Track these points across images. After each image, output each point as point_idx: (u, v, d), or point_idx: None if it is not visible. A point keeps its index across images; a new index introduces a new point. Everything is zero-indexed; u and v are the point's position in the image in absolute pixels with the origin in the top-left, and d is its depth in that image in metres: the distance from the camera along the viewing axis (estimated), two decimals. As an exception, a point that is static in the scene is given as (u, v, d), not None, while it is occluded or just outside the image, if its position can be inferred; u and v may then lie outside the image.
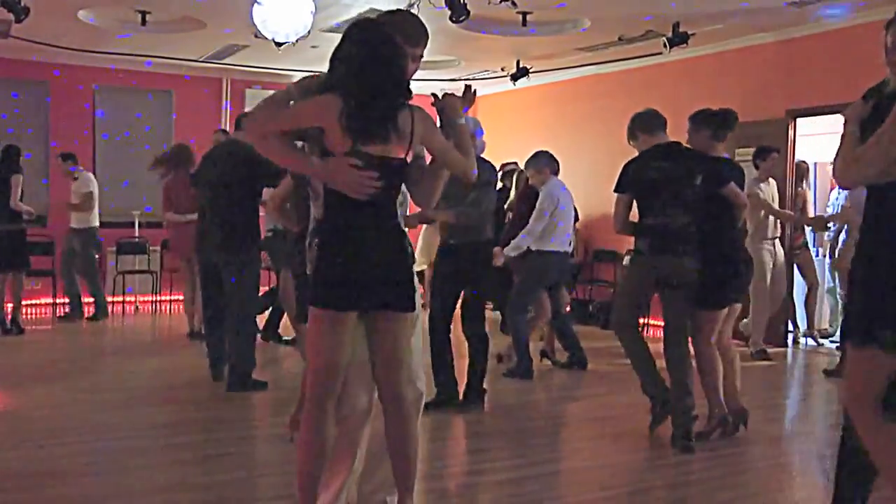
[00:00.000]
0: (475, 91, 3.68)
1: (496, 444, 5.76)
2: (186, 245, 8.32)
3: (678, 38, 9.11)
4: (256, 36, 8.94)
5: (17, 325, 9.21)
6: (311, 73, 3.54)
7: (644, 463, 5.18)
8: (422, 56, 3.40)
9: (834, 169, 3.18)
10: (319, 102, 3.15)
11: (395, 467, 3.36)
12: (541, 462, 5.18)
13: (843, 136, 3.06)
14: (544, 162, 7.63)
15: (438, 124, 3.41)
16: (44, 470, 4.62)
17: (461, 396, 6.14)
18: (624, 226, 5.49)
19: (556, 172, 7.69)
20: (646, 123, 5.55)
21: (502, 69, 11.89)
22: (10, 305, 9.31)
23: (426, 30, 3.40)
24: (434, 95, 3.52)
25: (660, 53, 9.73)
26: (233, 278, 6.59)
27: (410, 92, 3.23)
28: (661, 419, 5.45)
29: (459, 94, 3.62)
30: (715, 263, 5.31)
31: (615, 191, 5.49)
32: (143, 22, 9.43)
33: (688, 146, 5.57)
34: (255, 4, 7.63)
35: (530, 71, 11.34)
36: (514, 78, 11.42)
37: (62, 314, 10.44)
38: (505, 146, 13.26)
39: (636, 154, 5.56)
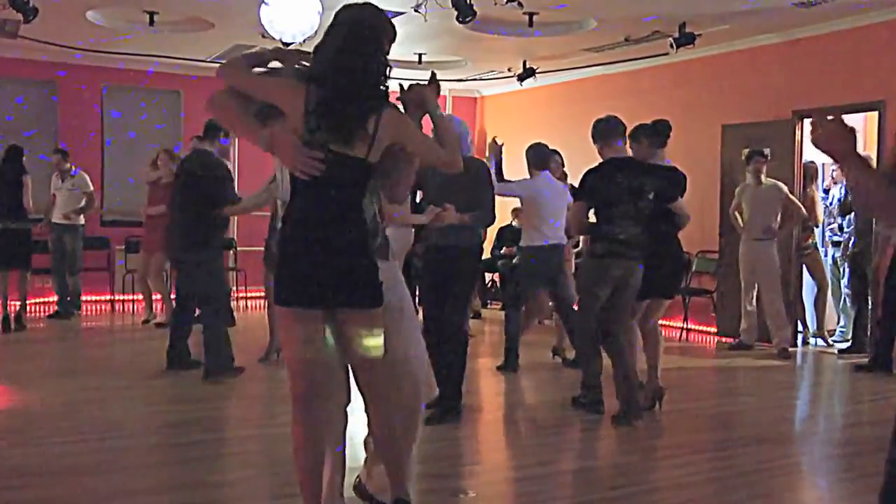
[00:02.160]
0: (438, 78, 3.61)
1: (501, 443, 5.78)
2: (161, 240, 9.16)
3: (685, 39, 9.11)
4: (264, 36, 8.95)
5: (19, 322, 9.29)
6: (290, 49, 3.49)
7: (651, 463, 5.19)
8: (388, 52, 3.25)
9: None
10: (287, 87, 3.11)
11: (384, 463, 3.37)
12: (546, 462, 5.18)
13: None
14: (531, 158, 7.81)
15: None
16: (50, 468, 4.64)
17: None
18: (580, 229, 6.18)
19: (545, 168, 7.71)
20: (602, 132, 5.96)
21: (509, 69, 11.90)
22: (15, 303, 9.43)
23: (392, 24, 3.26)
24: (400, 87, 3.47)
25: (666, 54, 9.74)
26: (192, 274, 7.03)
27: (385, 94, 3.14)
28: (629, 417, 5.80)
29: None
30: (664, 263, 6.01)
31: (573, 197, 6.02)
32: (151, 22, 9.47)
33: (641, 161, 5.98)
34: (263, 5, 7.65)
35: (537, 71, 11.36)
36: (521, 78, 11.43)
37: (51, 312, 10.40)
38: (511, 146, 13.27)
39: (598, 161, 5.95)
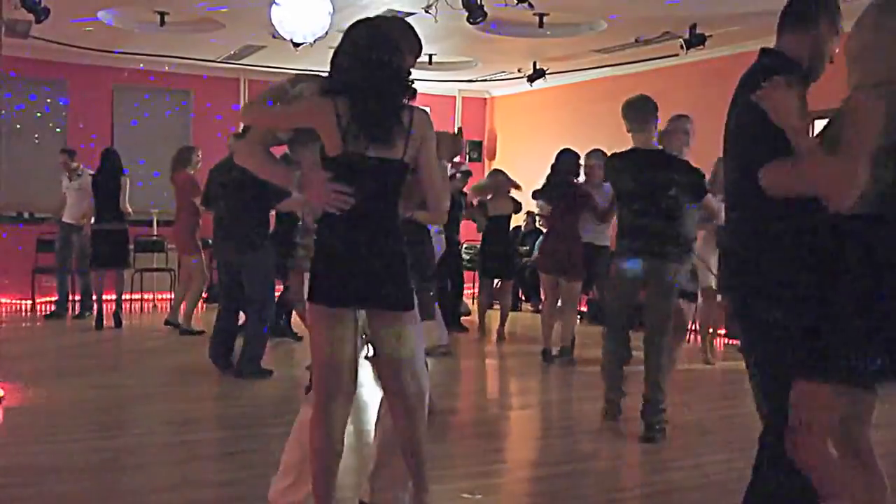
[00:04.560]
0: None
1: (507, 444, 5.77)
2: (178, 240, 9.47)
3: (695, 40, 9.09)
4: (274, 36, 8.98)
5: (117, 319, 9.67)
6: (307, 72, 3.57)
7: (663, 464, 5.17)
8: (413, 66, 3.35)
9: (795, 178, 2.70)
10: (313, 106, 3.16)
11: (407, 463, 3.38)
12: (556, 462, 5.17)
13: (797, 138, 2.66)
14: None
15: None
16: (61, 465, 4.65)
17: None
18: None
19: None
20: (625, 116, 5.72)
21: (519, 70, 11.91)
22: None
23: (420, 40, 3.38)
24: None
25: (676, 55, 9.72)
26: (250, 275, 7.09)
27: (412, 91, 3.20)
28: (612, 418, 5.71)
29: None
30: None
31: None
32: (162, 23, 9.50)
33: (670, 154, 5.68)
34: (273, 5, 7.67)
35: (547, 72, 11.36)
36: (531, 79, 11.44)
37: (48, 312, 10.40)
38: (520, 147, 13.28)
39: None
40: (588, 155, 8.28)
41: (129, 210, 9.62)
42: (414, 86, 3.21)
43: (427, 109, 3.36)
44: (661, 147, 5.71)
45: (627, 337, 5.93)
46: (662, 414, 5.45)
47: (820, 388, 2.71)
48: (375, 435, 3.82)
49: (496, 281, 10.07)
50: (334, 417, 3.21)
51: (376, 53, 3.11)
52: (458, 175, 9.89)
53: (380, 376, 3.37)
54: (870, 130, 2.56)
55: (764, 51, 3.09)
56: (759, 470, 3.14)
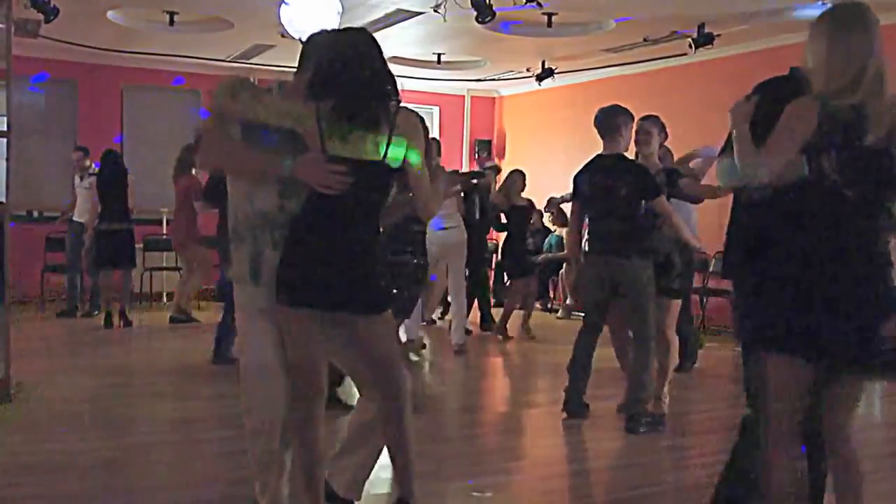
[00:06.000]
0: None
1: (517, 443, 5.77)
2: (175, 238, 9.80)
3: (703, 39, 9.08)
4: (283, 36, 9.00)
5: (125, 318, 9.69)
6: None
7: (672, 463, 5.17)
8: None
9: (730, 170, 2.99)
10: (298, 108, 3.11)
11: (395, 464, 3.37)
12: (565, 461, 5.18)
13: (737, 137, 2.94)
14: None
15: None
16: (68, 463, 4.67)
17: None
18: (575, 228, 6.03)
19: None
20: (597, 127, 5.93)
21: (528, 70, 11.90)
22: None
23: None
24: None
25: (685, 54, 9.71)
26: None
27: (395, 92, 3.16)
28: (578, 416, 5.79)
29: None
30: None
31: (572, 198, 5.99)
32: (171, 22, 9.53)
33: (627, 158, 5.86)
34: (283, 4, 7.69)
35: (555, 72, 11.35)
36: (540, 78, 11.44)
37: (60, 311, 10.45)
38: (529, 146, 13.28)
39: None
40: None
41: (135, 209, 9.73)
42: (395, 90, 3.16)
43: (411, 107, 3.35)
44: (624, 152, 5.88)
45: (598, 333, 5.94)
46: (640, 405, 5.60)
47: (767, 357, 2.91)
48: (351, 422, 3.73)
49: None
50: (314, 418, 3.22)
51: (364, 57, 3.11)
52: (487, 171, 9.89)
53: (369, 380, 3.36)
54: (795, 131, 2.80)
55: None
56: (736, 447, 3.39)
